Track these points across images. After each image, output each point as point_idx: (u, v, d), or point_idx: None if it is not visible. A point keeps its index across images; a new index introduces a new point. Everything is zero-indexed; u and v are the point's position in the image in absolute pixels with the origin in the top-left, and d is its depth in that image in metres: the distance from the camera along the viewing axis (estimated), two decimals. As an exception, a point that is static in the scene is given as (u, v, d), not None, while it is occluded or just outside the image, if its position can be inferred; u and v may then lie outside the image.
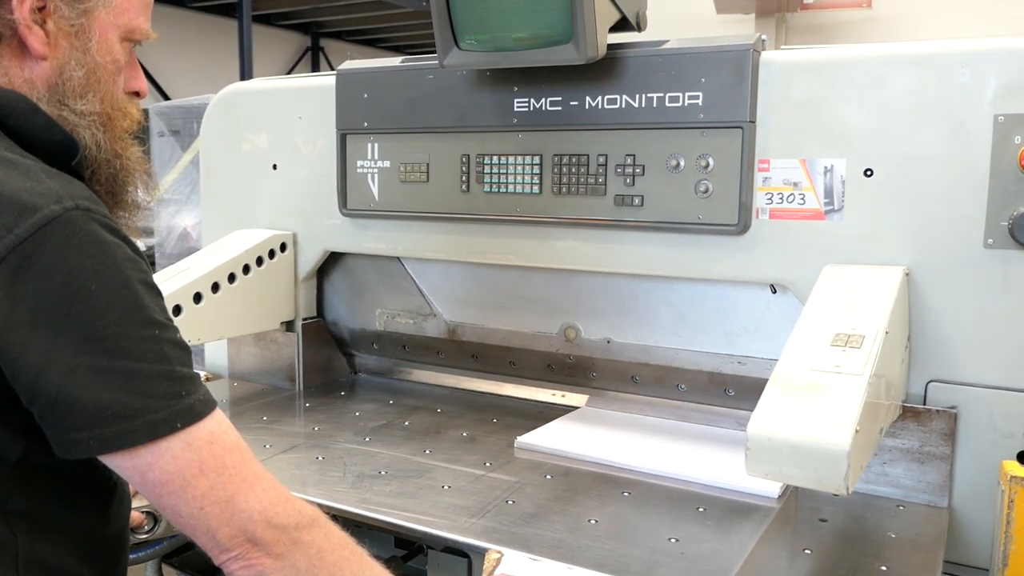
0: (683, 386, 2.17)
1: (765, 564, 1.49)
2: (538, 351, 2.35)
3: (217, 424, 1.09)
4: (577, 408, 2.29)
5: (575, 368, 2.32)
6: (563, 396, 2.35)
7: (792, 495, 1.74)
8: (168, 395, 1.05)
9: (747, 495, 1.74)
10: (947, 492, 1.72)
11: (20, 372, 1.01)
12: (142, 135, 1.39)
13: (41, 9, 1.18)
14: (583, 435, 2.07)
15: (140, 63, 1.36)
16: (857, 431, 1.34)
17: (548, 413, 2.24)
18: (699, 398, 2.15)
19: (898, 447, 1.74)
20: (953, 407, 1.71)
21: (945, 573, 1.56)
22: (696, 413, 2.16)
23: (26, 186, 1.04)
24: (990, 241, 1.66)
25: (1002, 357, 1.67)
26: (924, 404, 1.73)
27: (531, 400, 2.39)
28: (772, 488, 1.71)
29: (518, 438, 2.02)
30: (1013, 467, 1.53)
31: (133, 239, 1.15)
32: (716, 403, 2.13)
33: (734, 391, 2.09)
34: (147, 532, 1.72)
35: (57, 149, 1.16)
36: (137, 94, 1.33)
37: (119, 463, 1.05)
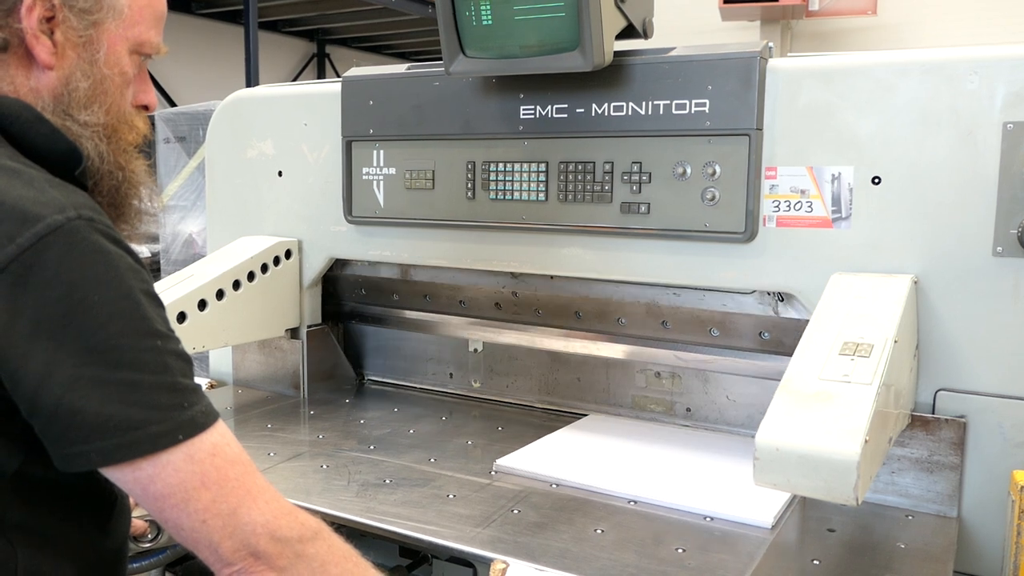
0: (624, 320, 2.23)
1: (774, 575, 1.47)
2: (486, 289, 2.40)
3: (219, 436, 1.08)
4: (578, 417, 2.28)
5: (521, 305, 2.37)
6: (513, 335, 2.41)
7: (797, 507, 1.72)
8: (170, 407, 1.04)
9: (738, 524, 1.65)
10: (956, 502, 1.70)
11: (21, 383, 1.00)
12: (148, 149, 1.38)
13: (50, 19, 1.17)
14: (568, 456, 1.96)
15: (147, 69, 1.36)
16: (867, 441, 1.32)
17: (554, 424, 2.23)
18: (639, 331, 2.22)
19: (907, 456, 1.73)
20: (962, 416, 1.70)
21: (955, 584, 1.55)
22: (639, 348, 2.22)
23: (29, 195, 1.04)
24: (999, 249, 1.64)
25: (1012, 366, 1.66)
26: (933, 413, 1.72)
27: (535, 408, 2.38)
28: (765, 518, 1.64)
29: (497, 461, 1.92)
30: (1023, 476, 1.52)
31: (136, 247, 1.14)
32: (655, 336, 2.19)
33: (671, 323, 2.16)
34: (150, 541, 1.72)
35: (61, 158, 1.16)
36: (146, 107, 1.33)
37: (120, 476, 1.04)
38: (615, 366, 2.28)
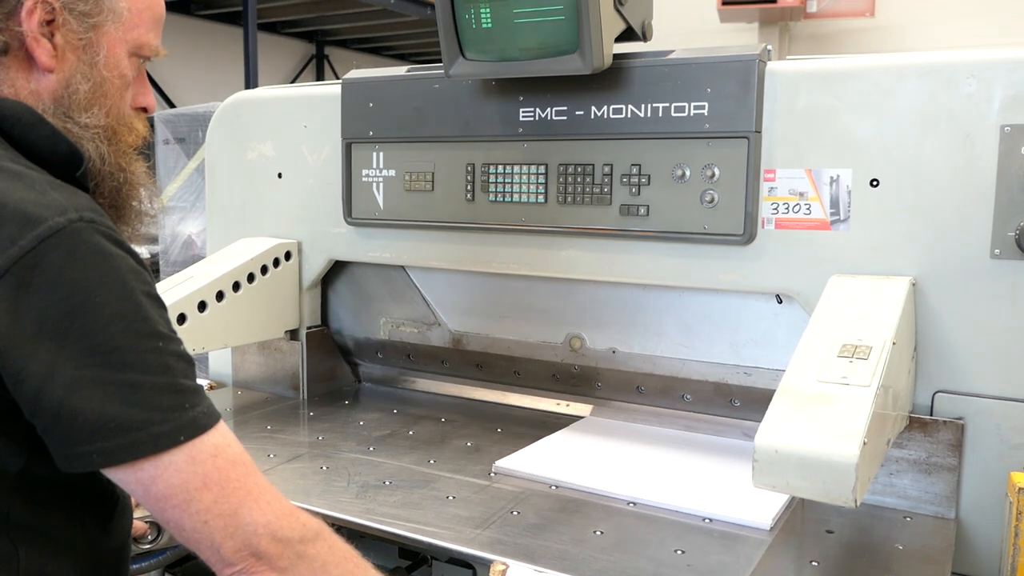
0: (688, 396, 2.15)
1: (772, 576, 1.48)
2: (543, 361, 2.33)
3: (221, 437, 1.09)
4: (580, 419, 2.28)
5: (580, 378, 2.30)
6: (567, 406, 2.34)
7: (796, 509, 1.73)
8: (172, 408, 1.05)
9: (736, 526, 1.65)
10: (954, 503, 1.71)
11: (23, 384, 1.01)
12: (147, 151, 1.38)
13: (50, 22, 1.18)
14: (567, 458, 1.96)
15: (146, 72, 1.36)
16: (865, 443, 1.33)
17: (553, 423, 2.23)
18: (705, 408, 2.14)
19: (905, 458, 1.73)
20: (960, 418, 1.70)
21: (953, 585, 1.56)
22: (702, 424, 2.14)
23: (30, 197, 1.04)
24: (997, 251, 1.65)
25: (1009, 367, 1.66)
26: (931, 415, 1.73)
27: (535, 409, 2.38)
28: (764, 519, 1.64)
29: (496, 463, 1.91)
30: (1021, 478, 1.53)
31: (136, 248, 1.14)
32: (722, 414, 2.11)
33: (740, 402, 2.08)
34: (150, 542, 1.72)
35: (62, 160, 1.16)
36: (145, 110, 1.33)
37: (122, 476, 1.05)
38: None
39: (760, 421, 2.00)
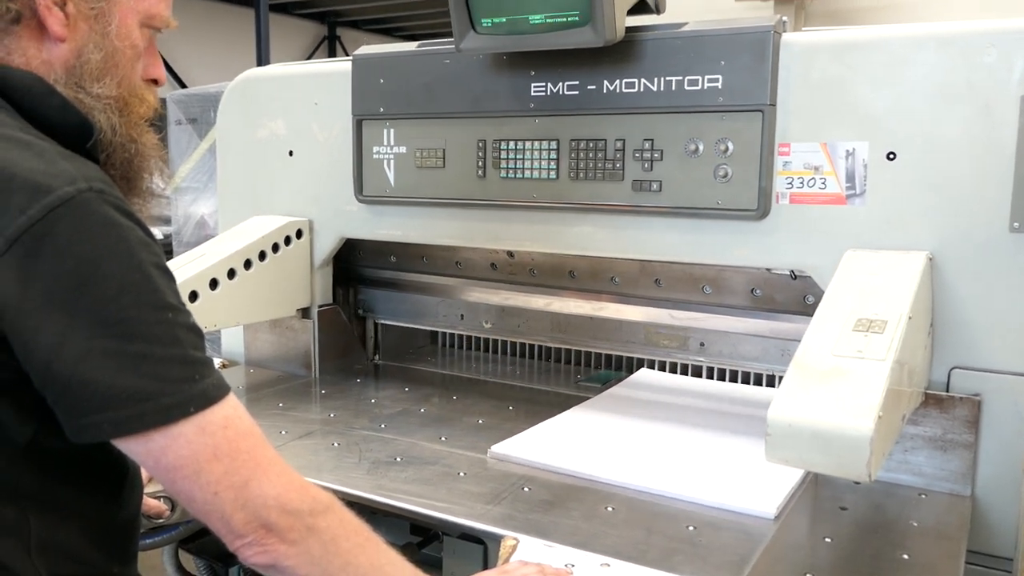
0: (617, 279, 2.26)
1: (785, 552, 1.47)
2: (483, 250, 2.42)
3: (231, 408, 1.08)
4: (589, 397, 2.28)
5: (516, 266, 2.41)
6: (507, 298, 2.47)
7: (809, 486, 1.71)
8: (181, 379, 1.04)
9: (740, 515, 1.59)
10: (970, 480, 1.69)
11: (33, 354, 1.01)
12: (159, 123, 1.38)
13: None
14: (564, 443, 1.92)
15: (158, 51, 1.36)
16: (880, 417, 1.31)
17: (565, 402, 2.23)
18: (632, 289, 2.26)
19: (920, 435, 1.72)
20: (977, 394, 1.68)
21: (968, 563, 1.54)
22: (631, 307, 2.27)
23: (40, 167, 1.04)
24: (1016, 225, 1.62)
25: (1027, 344, 1.64)
26: (947, 391, 1.71)
27: (548, 391, 2.38)
28: (768, 508, 1.59)
29: (491, 448, 1.88)
30: (1038, 455, 1.51)
31: (147, 224, 1.14)
32: (648, 294, 2.24)
33: (663, 281, 2.20)
34: (163, 517, 1.72)
35: (72, 131, 1.16)
36: (155, 82, 1.33)
37: (132, 447, 1.05)
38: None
39: (681, 301, 2.20)
